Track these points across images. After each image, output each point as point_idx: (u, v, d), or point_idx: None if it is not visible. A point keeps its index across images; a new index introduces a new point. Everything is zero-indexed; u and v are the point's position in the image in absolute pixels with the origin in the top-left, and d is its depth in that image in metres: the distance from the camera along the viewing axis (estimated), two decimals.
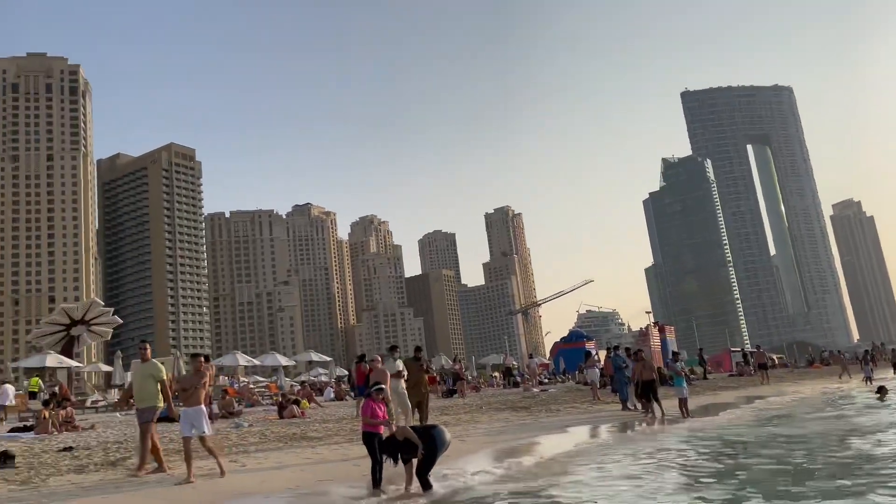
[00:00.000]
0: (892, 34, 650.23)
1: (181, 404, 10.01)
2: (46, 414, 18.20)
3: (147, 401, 10.22)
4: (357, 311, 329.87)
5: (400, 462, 8.74)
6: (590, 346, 52.34)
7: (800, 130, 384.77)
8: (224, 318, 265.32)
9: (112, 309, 42.15)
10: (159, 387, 10.27)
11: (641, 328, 57.40)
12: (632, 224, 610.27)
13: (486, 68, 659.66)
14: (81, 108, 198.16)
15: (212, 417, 20.01)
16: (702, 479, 9.01)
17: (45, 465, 11.41)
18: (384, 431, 9.76)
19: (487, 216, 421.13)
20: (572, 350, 52.15)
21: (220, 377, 28.47)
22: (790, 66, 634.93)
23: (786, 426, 15.83)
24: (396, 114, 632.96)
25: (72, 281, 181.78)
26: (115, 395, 39.41)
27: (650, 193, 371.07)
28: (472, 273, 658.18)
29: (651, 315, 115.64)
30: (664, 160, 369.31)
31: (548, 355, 77.39)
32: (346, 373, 53.85)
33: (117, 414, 25.91)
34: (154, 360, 10.60)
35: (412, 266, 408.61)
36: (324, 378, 48.34)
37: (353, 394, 32.73)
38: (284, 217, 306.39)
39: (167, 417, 11.54)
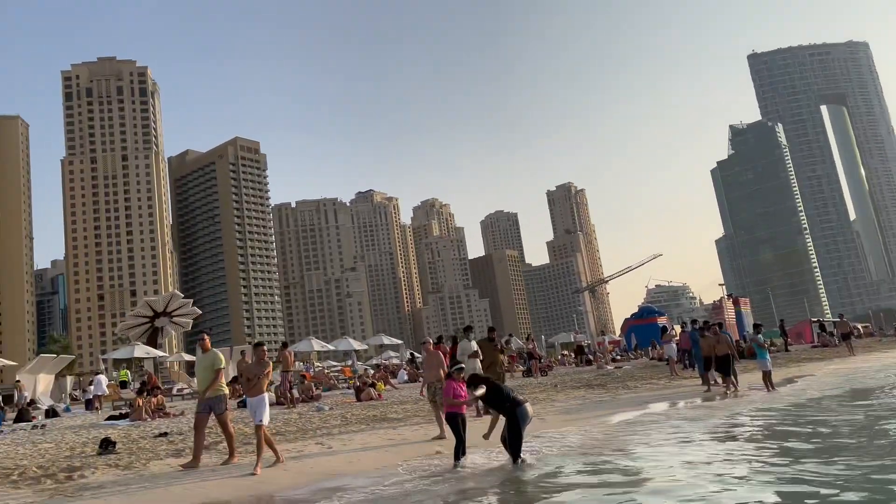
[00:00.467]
0: None
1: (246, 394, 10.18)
2: (140, 402, 19.10)
3: (213, 391, 10.27)
4: (423, 294, 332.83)
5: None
6: (661, 321, 51.32)
7: (878, 88, 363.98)
8: (295, 306, 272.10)
9: (191, 300, 43.77)
10: (217, 375, 10.30)
11: (714, 301, 55.87)
12: (700, 195, 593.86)
13: (542, 46, 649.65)
14: (151, 109, 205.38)
15: (294, 402, 20.63)
16: (793, 453, 8.72)
17: (144, 451, 11.98)
18: (466, 410, 9.84)
19: (549, 194, 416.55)
20: (644, 326, 51.22)
21: (297, 363, 29.20)
22: (864, 20, 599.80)
23: (882, 398, 15.13)
24: (453, 97, 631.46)
25: (151, 275, 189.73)
26: (195, 384, 41.06)
27: (718, 163, 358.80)
28: (536, 252, 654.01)
29: (724, 288, 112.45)
30: (732, 127, 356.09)
31: (618, 332, 76.35)
32: (418, 355, 54.55)
33: None
34: (214, 349, 10.64)
35: (475, 247, 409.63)
36: (395, 361, 49.07)
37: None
38: (348, 204, 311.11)
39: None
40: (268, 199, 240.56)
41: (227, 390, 10.52)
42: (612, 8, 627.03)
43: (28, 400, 25.85)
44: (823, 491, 6.40)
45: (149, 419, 18.56)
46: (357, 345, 46.64)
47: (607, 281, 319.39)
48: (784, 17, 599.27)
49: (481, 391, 8.79)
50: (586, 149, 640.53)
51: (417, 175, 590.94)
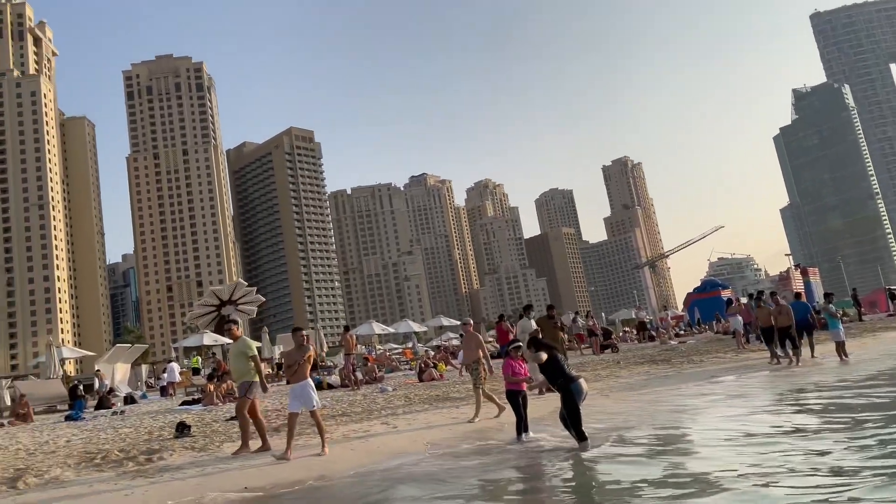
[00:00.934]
0: None
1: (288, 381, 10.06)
2: (211, 387, 19.77)
3: (243, 376, 10.28)
4: (479, 276, 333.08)
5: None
6: (725, 294, 50.01)
7: None
8: (355, 291, 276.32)
9: (255, 288, 44.79)
10: (252, 363, 10.23)
11: (781, 272, 54.13)
12: (762, 163, 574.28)
13: (594, 18, 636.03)
14: (208, 103, 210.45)
15: (358, 384, 21.01)
16: (864, 424, 8.40)
17: (217, 433, 12.40)
18: (526, 387, 9.83)
19: (605, 169, 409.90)
20: (707, 300, 50.00)
21: (359, 346, 29.72)
22: None
23: None
24: (504, 76, 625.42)
25: (215, 265, 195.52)
26: (264, 368, 42.24)
27: (781, 129, 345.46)
28: (593, 229, 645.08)
29: (790, 258, 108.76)
30: (794, 91, 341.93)
31: (680, 307, 74.81)
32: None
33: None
34: (244, 336, 10.61)
35: (531, 227, 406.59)
36: (455, 342, 49.29)
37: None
38: (402, 189, 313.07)
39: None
40: (324, 186, 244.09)
41: (256, 378, 10.29)
42: None
43: (108, 388, 27.06)
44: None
45: (220, 403, 19.20)
46: (417, 327, 47.12)
47: (667, 255, 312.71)
48: None
49: (543, 356, 8.64)
50: (642, 121, 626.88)
51: (470, 157, 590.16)
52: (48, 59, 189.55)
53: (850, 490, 5.46)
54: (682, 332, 39.59)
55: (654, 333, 36.38)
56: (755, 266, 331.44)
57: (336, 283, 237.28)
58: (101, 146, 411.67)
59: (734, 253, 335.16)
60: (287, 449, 9.18)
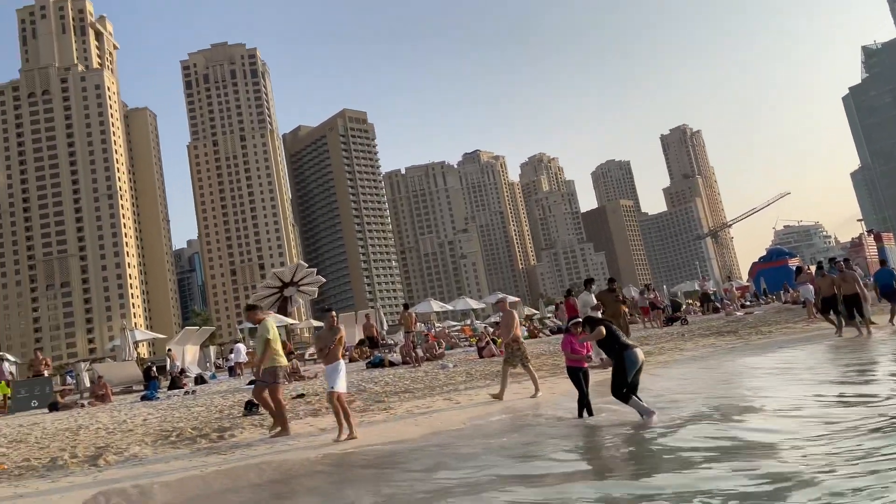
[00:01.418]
0: None
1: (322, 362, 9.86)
2: None
3: (268, 362, 10.06)
4: (536, 251, 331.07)
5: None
6: (793, 263, 48.37)
7: None
8: (412, 269, 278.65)
9: (315, 269, 45.73)
10: (266, 345, 10.01)
11: (853, 239, 51.91)
12: (830, 126, 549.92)
13: None
14: (263, 89, 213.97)
15: (419, 360, 21.18)
16: None
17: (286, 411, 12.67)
18: (588, 364, 9.69)
19: (663, 138, 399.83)
20: (774, 269, 48.49)
21: (418, 324, 29.95)
22: None
23: None
24: (554, 47, 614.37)
25: (276, 248, 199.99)
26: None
27: (850, 88, 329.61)
28: (652, 200, 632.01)
29: (863, 223, 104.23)
30: (864, 48, 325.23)
31: (745, 278, 72.72)
32: (534, 311, 54.45)
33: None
34: (266, 320, 10.31)
35: (587, 200, 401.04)
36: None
37: (546, 332, 33.09)
38: (456, 167, 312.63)
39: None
40: (378, 167, 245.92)
41: (282, 362, 10.18)
42: None
43: (179, 369, 28.06)
44: None
45: (286, 382, 19.64)
46: (474, 304, 47.18)
47: (730, 225, 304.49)
48: None
49: (602, 331, 8.52)
50: (701, 87, 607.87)
51: (523, 131, 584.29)
52: (109, 53, 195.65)
53: None
54: (748, 304, 38.48)
55: (718, 305, 35.47)
56: (824, 233, 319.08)
57: (393, 263, 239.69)
58: (162, 135, 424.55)
59: (801, 220, 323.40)
60: (350, 428, 9.09)
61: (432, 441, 8.58)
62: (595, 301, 15.12)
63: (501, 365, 12.05)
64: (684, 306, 33.22)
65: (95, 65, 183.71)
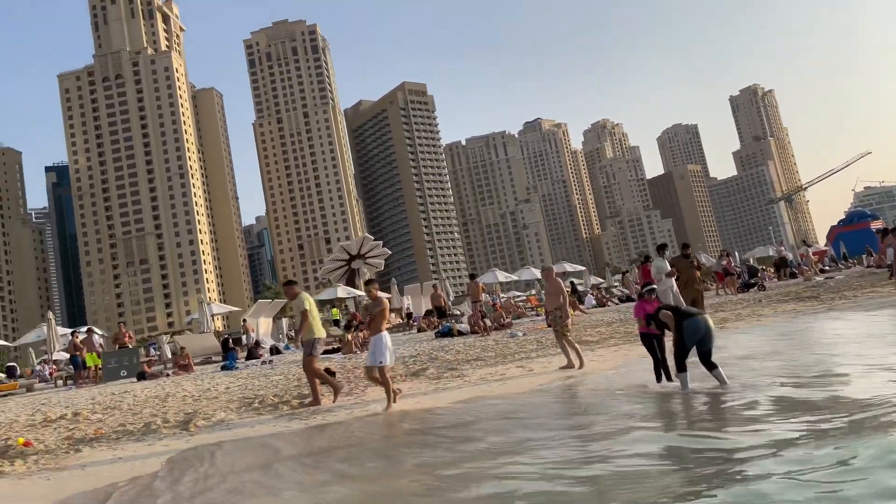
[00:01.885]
0: None
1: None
2: (349, 337, 20.71)
3: (306, 334, 10.31)
4: (600, 220, 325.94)
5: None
6: (876, 225, 46.22)
7: None
8: (474, 241, 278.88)
9: (381, 242, 46.32)
10: (304, 316, 10.17)
11: None
12: None
13: None
14: (324, 65, 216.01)
15: (487, 330, 21.26)
16: None
17: (360, 379, 12.95)
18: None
19: (733, 99, 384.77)
20: (854, 232, 46.58)
21: (484, 294, 30.01)
22: None
23: None
24: (614, 11, 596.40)
25: (341, 222, 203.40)
26: (394, 318, 43.78)
27: None
28: (721, 164, 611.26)
29: None
30: None
31: (822, 242, 69.82)
32: (600, 280, 53.75)
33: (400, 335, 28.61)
34: (301, 293, 10.51)
35: (653, 166, 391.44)
36: (578, 288, 48.71)
37: (615, 300, 32.65)
38: (517, 136, 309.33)
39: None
40: (439, 139, 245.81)
41: (321, 333, 10.33)
42: None
43: (254, 340, 29.03)
44: None
45: (358, 352, 20.09)
46: (539, 273, 46.84)
47: (806, 188, 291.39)
48: None
49: (670, 317, 8.43)
50: (772, 43, 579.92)
51: (585, 97, 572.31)
52: (176, 35, 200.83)
53: None
54: (827, 268, 36.94)
55: (795, 271, 34.18)
56: None
57: (456, 235, 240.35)
58: (228, 114, 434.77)
59: (883, 181, 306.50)
60: (389, 399, 9.10)
61: (518, 400, 8.65)
62: (669, 267, 14.79)
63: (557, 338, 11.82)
64: (760, 272, 32.12)
65: (164, 47, 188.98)
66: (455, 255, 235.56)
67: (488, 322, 22.03)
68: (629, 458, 5.38)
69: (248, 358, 25.01)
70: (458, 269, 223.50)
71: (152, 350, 33.07)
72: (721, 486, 4.32)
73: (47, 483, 6.82)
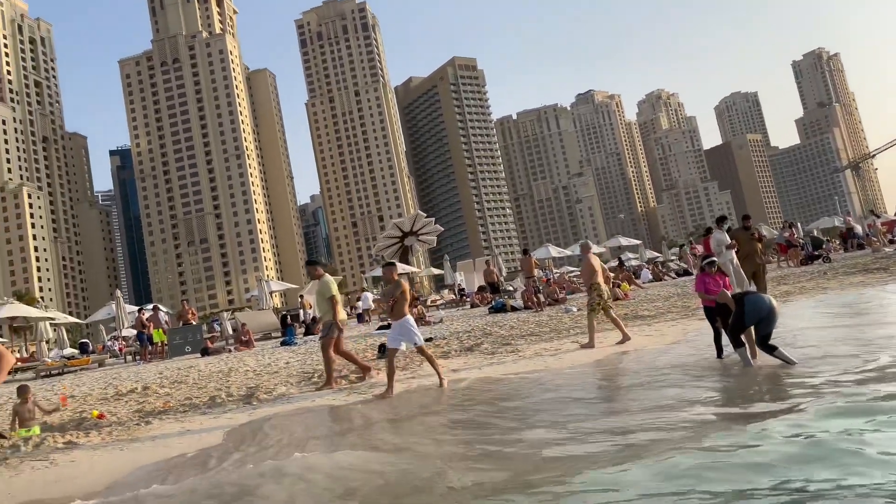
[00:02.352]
0: None
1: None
2: None
3: (325, 316, 10.45)
4: (656, 193, 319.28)
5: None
6: None
7: None
8: (526, 216, 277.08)
9: (433, 219, 46.39)
10: (329, 303, 10.28)
11: None
12: None
13: None
14: (374, 42, 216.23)
15: (541, 305, 21.16)
16: None
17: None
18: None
19: (795, 64, 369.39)
20: None
21: (537, 270, 29.83)
22: None
23: None
24: None
25: (393, 200, 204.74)
26: (447, 293, 43.98)
27: None
28: (782, 133, 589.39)
29: None
30: None
31: (893, 212, 66.81)
32: (656, 255, 52.78)
33: (439, 312, 28.69)
34: (326, 277, 10.60)
35: (711, 136, 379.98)
36: (633, 262, 47.94)
37: (672, 274, 32.04)
38: (569, 109, 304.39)
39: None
40: (489, 114, 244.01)
41: (342, 315, 10.44)
42: None
43: (311, 316, 29.61)
44: None
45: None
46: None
47: (874, 155, 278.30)
48: None
49: (730, 299, 8.30)
50: (838, 5, 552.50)
51: (639, 67, 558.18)
52: (230, 18, 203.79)
53: None
54: None
55: (862, 242, 32.82)
56: None
57: (507, 210, 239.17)
58: (281, 94, 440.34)
59: None
60: (389, 387, 8.88)
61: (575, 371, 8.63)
62: (729, 239, 14.41)
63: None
64: (824, 244, 30.98)
65: (218, 30, 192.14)
66: (507, 230, 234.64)
67: (542, 297, 21.91)
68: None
69: (306, 333, 25.54)
70: (511, 245, 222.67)
71: (215, 326, 34.10)
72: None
73: (121, 454, 7.15)
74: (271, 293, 39.06)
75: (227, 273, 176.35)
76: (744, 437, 5.01)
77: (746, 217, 15.34)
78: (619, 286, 23.38)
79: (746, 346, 8.09)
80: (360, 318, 29.82)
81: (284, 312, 33.68)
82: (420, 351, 9.20)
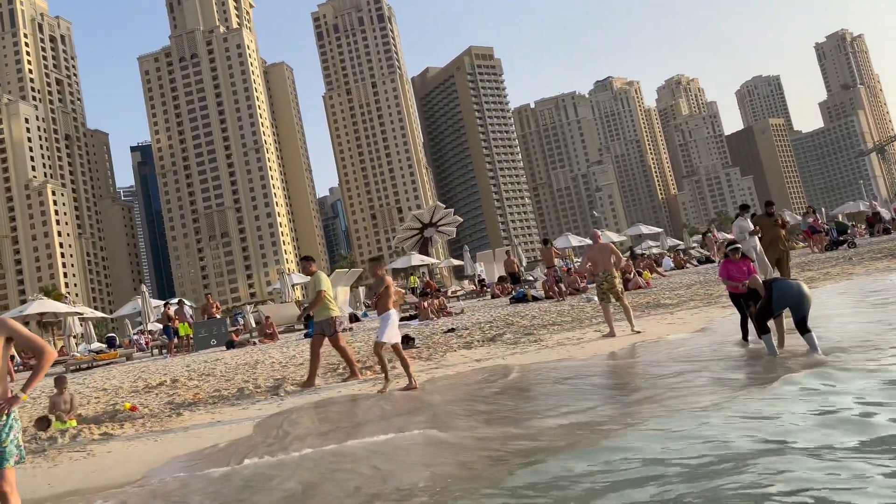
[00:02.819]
0: None
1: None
2: (426, 304, 21.05)
3: (320, 314, 10.22)
4: (677, 179, 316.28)
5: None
6: None
7: None
8: (545, 205, 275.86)
9: (452, 210, 46.47)
10: (318, 297, 10.12)
11: None
12: None
13: None
14: (390, 33, 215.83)
15: (562, 295, 21.16)
16: None
17: (439, 345, 13.21)
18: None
19: (818, 46, 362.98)
20: None
21: (557, 259, 29.77)
22: None
23: None
24: None
25: (412, 191, 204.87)
26: (467, 284, 44.07)
27: None
28: (806, 116, 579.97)
29: None
30: None
31: None
32: (678, 242, 52.41)
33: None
34: (318, 273, 10.43)
35: (732, 121, 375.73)
36: (655, 250, 47.68)
37: (693, 262, 31.85)
38: (587, 96, 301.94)
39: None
40: (507, 103, 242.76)
41: (335, 312, 10.23)
42: None
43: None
44: None
45: (434, 318, 20.41)
46: (615, 237, 46.14)
47: None
48: None
49: (761, 285, 8.32)
50: None
51: (658, 52, 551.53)
52: (246, 12, 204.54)
53: None
54: None
55: (889, 227, 32.38)
56: None
57: (526, 200, 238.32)
58: (299, 87, 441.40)
59: None
60: (410, 379, 8.85)
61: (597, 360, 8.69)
62: (752, 226, 14.33)
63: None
64: (850, 229, 30.59)
65: (235, 25, 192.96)
66: (526, 220, 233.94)
67: (563, 287, 21.91)
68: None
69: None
70: (530, 235, 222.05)
71: (238, 319, 34.50)
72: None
73: (155, 444, 7.34)
74: (293, 286, 39.38)
75: (248, 267, 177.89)
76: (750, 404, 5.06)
77: (770, 203, 15.22)
78: (640, 274, 23.33)
79: (772, 333, 8.10)
80: None
81: (307, 305, 33.97)
82: (394, 348, 9.10)
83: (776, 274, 13.95)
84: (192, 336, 23.40)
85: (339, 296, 33.55)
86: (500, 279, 30.82)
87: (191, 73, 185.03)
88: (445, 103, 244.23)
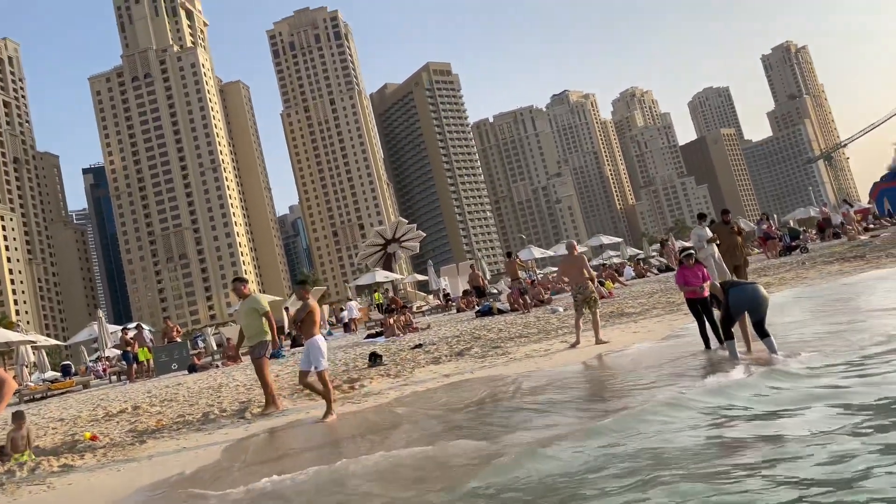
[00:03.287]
0: None
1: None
2: (391, 321, 20.95)
3: (255, 336, 9.73)
4: (634, 190, 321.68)
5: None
6: None
7: None
8: (507, 218, 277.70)
9: (415, 225, 46.48)
10: (264, 320, 9.69)
11: None
12: None
13: None
14: (347, 50, 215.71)
15: (527, 307, 21.28)
16: None
17: (407, 361, 13.15)
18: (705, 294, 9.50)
19: (765, 58, 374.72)
20: None
21: (521, 272, 29.98)
22: None
23: None
24: None
25: (373, 207, 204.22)
26: (432, 300, 44.05)
27: None
28: (755, 126, 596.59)
29: None
30: None
31: (865, 200, 67.97)
32: (638, 252, 53.26)
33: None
34: (255, 294, 9.98)
35: (685, 132, 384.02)
36: (615, 260, 48.32)
37: (654, 271, 32.37)
38: (544, 110, 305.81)
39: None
40: (466, 118, 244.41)
41: (268, 336, 9.74)
42: None
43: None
44: None
45: (401, 334, 20.32)
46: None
47: (845, 145, 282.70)
48: None
49: (719, 289, 8.55)
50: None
51: (612, 66, 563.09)
52: (201, 30, 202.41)
53: None
54: (871, 226, 35.98)
55: (839, 231, 33.40)
56: None
57: (488, 213, 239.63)
58: (256, 105, 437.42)
59: None
60: (329, 407, 8.54)
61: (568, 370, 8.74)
62: (710, 234, 14.65)
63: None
64: (802, 234, 31.48)
65: (189, 43, 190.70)
66: (488, 233, 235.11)
67: (527, 299, 22.05)
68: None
69: (293, 345, 25.42)
70: (493, 248, 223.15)
71: (199, 342, 33.84)
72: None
73: (118, 474, 7.12)
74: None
75: (207, 288, 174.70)
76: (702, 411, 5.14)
77: (725, 212, 15.60)
78: (602, 284, 23.62)
79: (734, 338, 8.27)
80: (347, 327, 29.78)
81: (281, 326, 33.49)
82: (319, 376, 8.65)
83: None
84: (152, 361, 22.87)
85: (325, 312, 33.29)
86: (465, 293, 30.86)
87: (144, 92, 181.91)
88: (405, 119, 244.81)
